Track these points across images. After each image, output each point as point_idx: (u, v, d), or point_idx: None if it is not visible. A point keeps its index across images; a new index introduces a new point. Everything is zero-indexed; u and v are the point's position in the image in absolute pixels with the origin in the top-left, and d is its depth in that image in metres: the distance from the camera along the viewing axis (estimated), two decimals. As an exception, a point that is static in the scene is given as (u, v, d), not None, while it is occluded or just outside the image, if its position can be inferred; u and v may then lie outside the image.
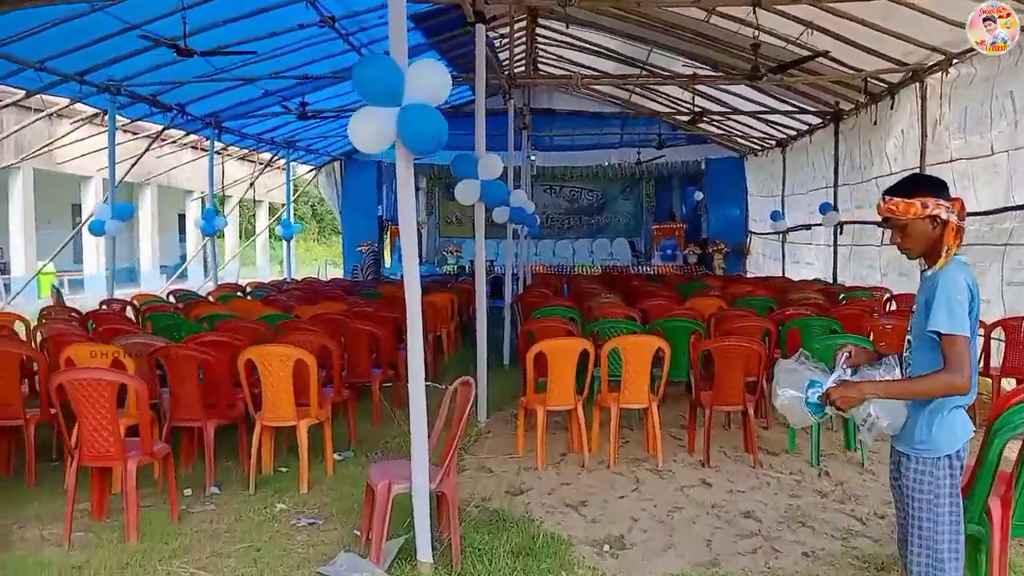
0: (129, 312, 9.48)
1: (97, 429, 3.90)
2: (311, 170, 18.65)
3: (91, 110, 11.10)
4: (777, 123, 14.41)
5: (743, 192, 18.56)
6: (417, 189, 23.73)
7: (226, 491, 4.96)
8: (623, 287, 11.06)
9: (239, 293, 11.77)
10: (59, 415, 4.13)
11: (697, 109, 13.47)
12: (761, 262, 17.32)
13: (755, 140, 16.74)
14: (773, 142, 15.30)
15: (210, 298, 10.69)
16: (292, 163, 17.16)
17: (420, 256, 20.37)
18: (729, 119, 15.23)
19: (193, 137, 14.41)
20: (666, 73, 12.89)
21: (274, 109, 12.39)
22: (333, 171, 19.00)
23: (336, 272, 22.28)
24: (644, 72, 12.98)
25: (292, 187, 19.66)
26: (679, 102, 15.40)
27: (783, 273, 14.86)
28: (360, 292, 11.20)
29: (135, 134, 14.13)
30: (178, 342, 5.66)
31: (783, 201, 14.81)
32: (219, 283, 13.72)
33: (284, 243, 15.53)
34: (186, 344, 5.22)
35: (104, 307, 9.57)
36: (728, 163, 18.54)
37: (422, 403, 3.83)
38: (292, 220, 15.86)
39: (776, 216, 14.60)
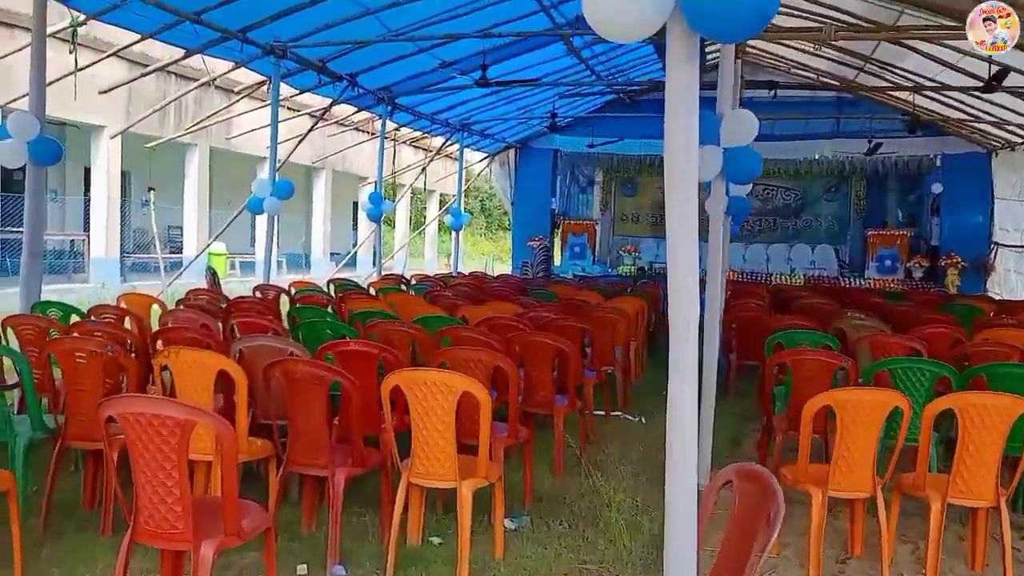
0: (284, 301, 8.50)
1: (156, 491, 2.51)
2: (484, 158, 17.48)
3: (256, 77, 10.28)
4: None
5: (988, 195, 15.37)
6: (592, 183, 22.14)
7: (356, 570, 3.51)
8: (862, 303, 8.77)
9: (402, 286, 10.66)
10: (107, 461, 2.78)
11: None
12: (1013, 281, 14.15)
13: (1011, 130, 13.65)
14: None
15: (372, 290, 9.59)
16: (465, 149, 16.02)
17: (593, 255, 18.82)
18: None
19: (364, 116, 13.54)
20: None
21: (451, 83, 11.14)
22: (507, 160, 17.72)
23: (503, 268, 21.07)
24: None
25: (463, 177, 18.69)
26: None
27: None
28: (532, 292, 9.69)
29: (306, 110, 13.50)
30: (315, 348, 4.31)
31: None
32: (383, 273, 12.77)
33: (453, 234, 14.35)
34: (314, 362, 3.80)
35: (258, 294, 8.65)
36: (971, 159, 15.40)
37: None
38: (462, 210, 14.68)
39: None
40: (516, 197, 17.82)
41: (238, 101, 12.94)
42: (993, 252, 15.15)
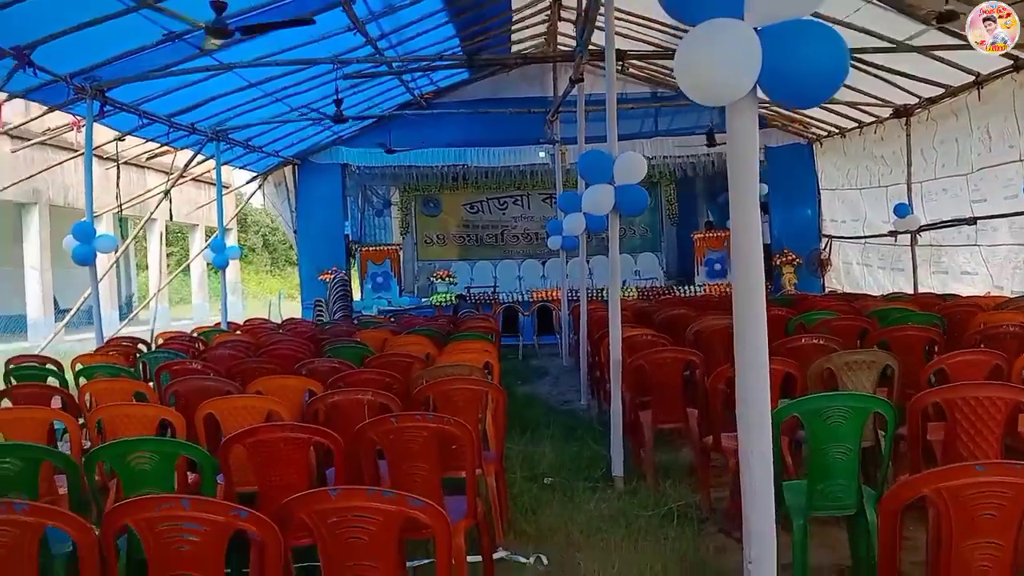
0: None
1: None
2: (253, 178, 14.15)
3: None
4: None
5: (814, 187, 14.56)
6: (388, 204, 19.38)
7: None
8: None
9: (142, 350, 7.27)
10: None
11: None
12: (857, 274, 13.24)
13: (829, 123, 12.80)
14: (884, 114, 11.27)
15: (75, 368, 6.16)
16: (226, 166, 12.66)
17: (399, 285, 16.03)
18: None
19: (65, 121, 9.86)
20: None
21: (188, 65, 7.96)
22: (284, 179, 14.51)
23: (293, 308, 17.60)
24: None
25: (231, 202, 15.17)
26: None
27: (914, 289, 10.78)
28: (329, 349, 6.74)
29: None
30: None
31: (909, 190, 10.77)
32: (118, 335, 9.17)
33: (222, 274, 10.98)
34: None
35: None
36: (794, 151, 14.54)
37: None
38: (228, 242, 11.31)
39: (902, 210, 10.54)
40: (299, 224, 14.64)
41: None
42: (826, 246, 14.28)
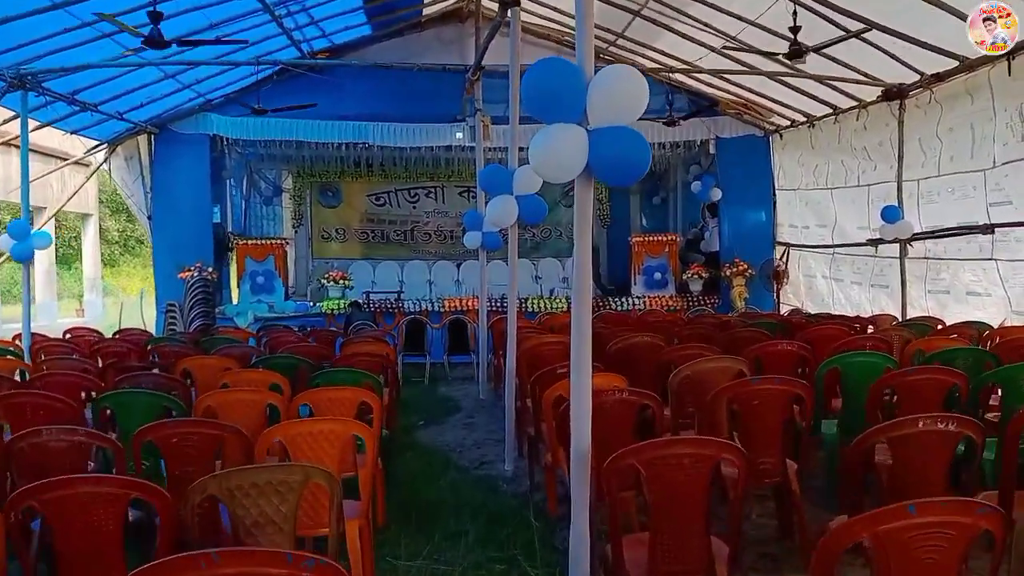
0: None
1: None
2: (97, 147, 11.21)
3: None
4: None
5: (769, 187, 12.73)
6: (278, 191, 16.59)
7: None
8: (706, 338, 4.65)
9: None
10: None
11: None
12: (822, 288, 11.40)
13: (796, 109, 10.95)
14: (869, 96, 9.42)
15: None
16: (53, 128, 9.80)
17: (285, 287, 13.31)
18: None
19: None
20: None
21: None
22: (136, 151, 11.64)
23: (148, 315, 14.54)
24: None
25: (82, 180, 12.21)
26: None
27: (902, 312, 8.94)
28: (102, 398, 4.21)
29: None
30: None
31: (899, 190, 8.92)
32: None
33: (24, 269, 8.12)
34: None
35: None
36: (748, 145, 12.67)
37: None
38: (33, 225, 8.41)
39: (892, 214, 8.69)
40: (155, 208, 11.78)
41: None
42: (783, 255, 12.43)
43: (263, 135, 11.71)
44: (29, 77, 7.82)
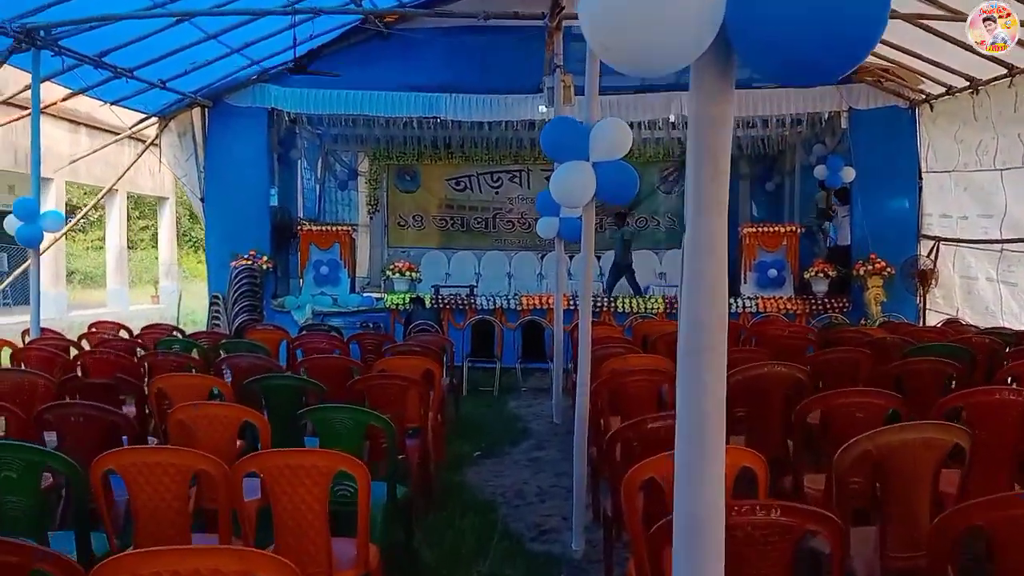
0: None
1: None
2: (144, 119, 10.26)
3: None
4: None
5: (914, 169, 10.58)
6: (353, 174, 15.50)
7: None
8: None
9: None
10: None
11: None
12: (985, 292, 9.25)
13: (954, 71, 8.82)
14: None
15: None
16: (89, 97, 8.86)
17: (351, 279, 12.11)
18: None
19: None
20: None
21: None
22: (190, 126, 10.65)
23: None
24: None
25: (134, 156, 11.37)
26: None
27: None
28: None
29: None
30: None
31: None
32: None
33: (33, 255, 7.11)
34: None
35: None
36: (889, 118, 10.55)
37: None
38: (44, 203, 7.42)
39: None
40: (207, 189, 10.77)
41: None
42: (931, 251, 10.28)
43: (324, 108, 10.51)
44: (40, 33, 6.76)
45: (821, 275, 10.75)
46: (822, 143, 12.55)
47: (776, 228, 11.48)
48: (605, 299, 10.88)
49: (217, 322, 9.49)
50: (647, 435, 2.82)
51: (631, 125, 12.13)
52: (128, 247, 17.07)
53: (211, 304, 9.71)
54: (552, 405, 7.34)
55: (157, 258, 18.64)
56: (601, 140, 4.13)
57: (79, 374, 5.15)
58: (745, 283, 11.56)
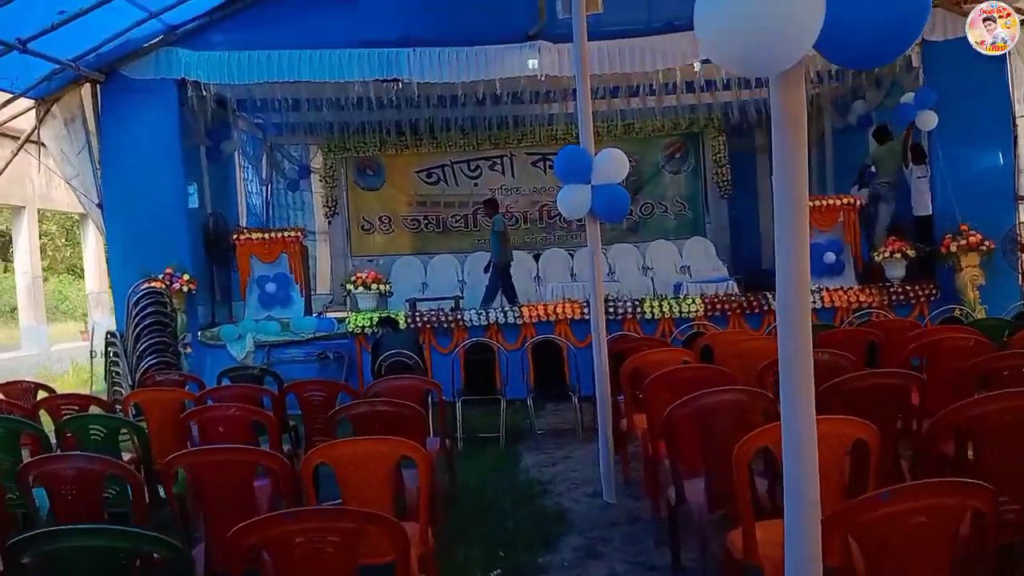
0: None
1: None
2: (9, 101, 7.71)
3: None
4: None
5: (1007, 116, 8.39)
6: (306, 171, 13.07)
7: None
8: None
9: None
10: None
11: None
12: None
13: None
14: None
15: None
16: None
17: (307, 302, 9.32)
18: None
19: None
20: None
21: None
22: (80, 111, 8.13)
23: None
24: None
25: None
26: None
27: None
28: None
29: None
30: None
31: None
32: None
33: None
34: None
35: None
36: (972, 48, 8.31)
37: None
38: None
39: None
40: (105, 190, 8.24)
41: None
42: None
43: (252, 77, 8.00)
44: None
45: (898, 256, 8.48)
46: (862, 99, 10.40)
47: (830, 201, 9.17)
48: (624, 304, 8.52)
49: (117, 369, 7.00)
50: None
51: (635, 89, 9.95)
52: (44, 276, 14.41)
53: (107, 345, 7.19)
54: (596, 469, 4.92)
55: (83, 288, 15.99)
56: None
57: None
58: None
